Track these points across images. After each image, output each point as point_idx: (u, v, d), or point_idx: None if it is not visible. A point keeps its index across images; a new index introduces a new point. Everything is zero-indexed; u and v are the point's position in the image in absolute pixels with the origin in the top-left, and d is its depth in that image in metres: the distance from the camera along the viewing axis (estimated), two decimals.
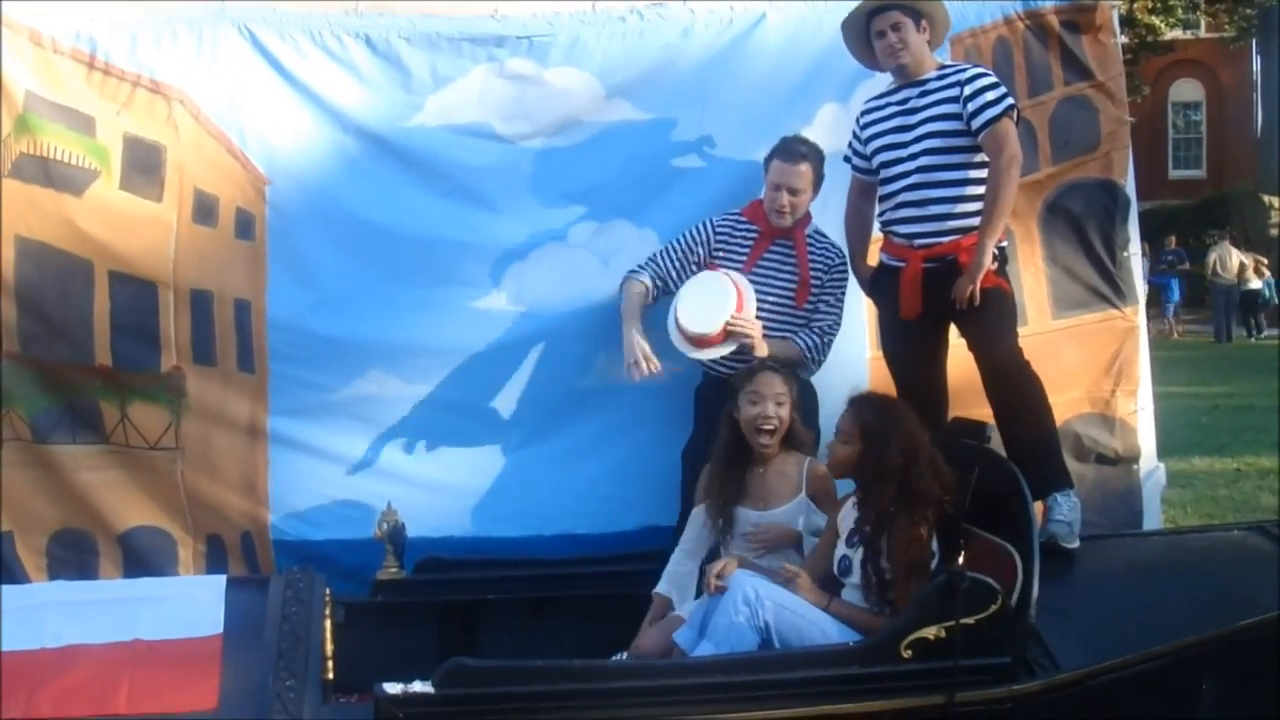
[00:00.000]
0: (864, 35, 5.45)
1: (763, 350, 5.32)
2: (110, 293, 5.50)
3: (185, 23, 5.60)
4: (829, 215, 5.73)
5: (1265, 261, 26.84)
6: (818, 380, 5.51)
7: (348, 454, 5.68)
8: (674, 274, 5.57)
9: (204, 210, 5.58)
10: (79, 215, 5.42)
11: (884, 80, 5.57)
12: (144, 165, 5.51)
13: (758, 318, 5.38)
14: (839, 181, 5.67)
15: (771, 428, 4.82)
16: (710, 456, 4.97)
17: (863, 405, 4.56)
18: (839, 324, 5.61)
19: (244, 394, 5.64)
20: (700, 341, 5.36)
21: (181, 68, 5.56)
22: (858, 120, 5.57)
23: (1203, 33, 38.49)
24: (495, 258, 5.74)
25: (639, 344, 5.40)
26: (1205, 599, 4.56)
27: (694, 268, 5.56)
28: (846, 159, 5.61)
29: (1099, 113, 6.13)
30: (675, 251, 5.60)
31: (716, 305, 5.32)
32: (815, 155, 5.51)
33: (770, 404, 4.82)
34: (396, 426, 5.70)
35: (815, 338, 5.53)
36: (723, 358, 5.37)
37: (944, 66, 5.45)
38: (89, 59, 5.48)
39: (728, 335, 5.34)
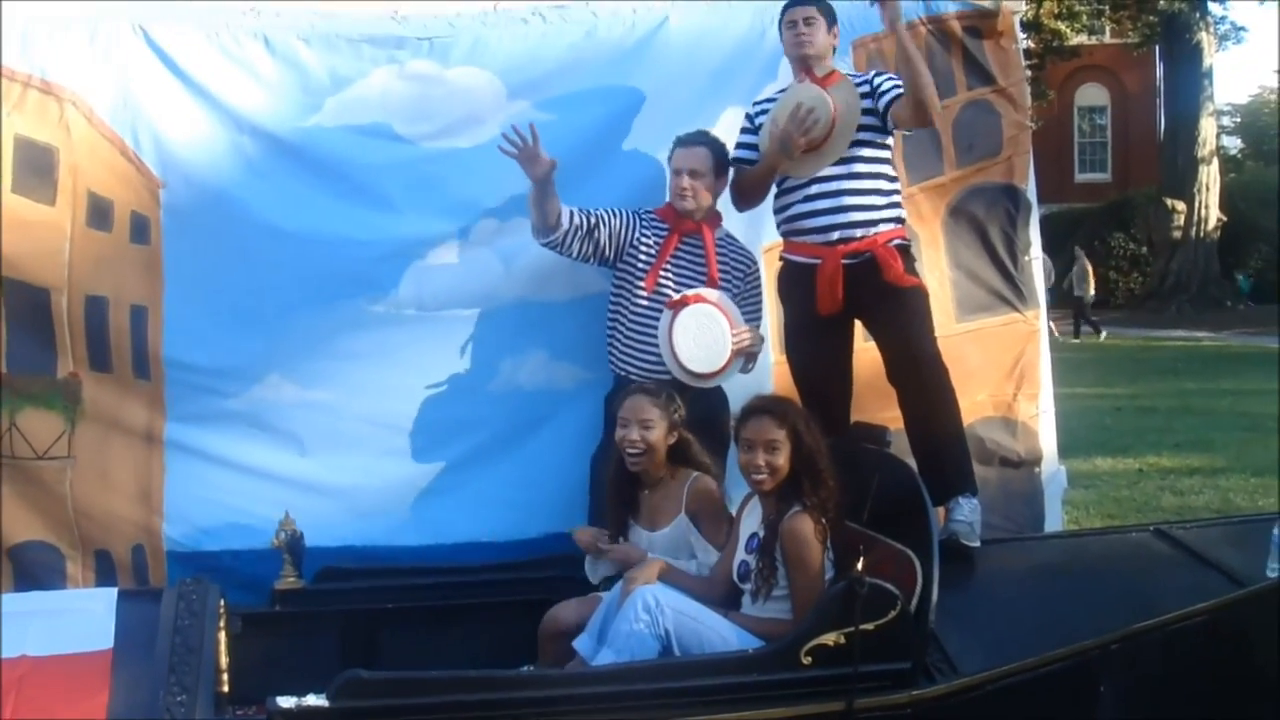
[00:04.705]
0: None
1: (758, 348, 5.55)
2: (4, 298, 5.33)
3: (79, 21, 5.45)
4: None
5: None
6: (725, 386, 5.48)
7: (245, 461, 5.57)
8: (600, 229, 5.45)
9: (98, 214, 5.44)
10: None
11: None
12: (36, 168, 5.36)
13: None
14: None
15: (636, 451, 4.76)
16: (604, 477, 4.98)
17: (784, 410, 4.49)
18: (760, 335, 5.61)
19: (140, 401, 5.52)
20: (713, 375, 5.36)
21: (74, 68, 5.41)
22: (749, 117, 5.57)
23: (1107, 38, 39.26)
24: (394, 258, 5.63)
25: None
26: (1104, 602, 4.61)
27: (610, 243, 5.46)
28: (735, 160, 5.55)
29: (1001, 117, 6.20)
30: (608, 217, 5.49)
31: (716, 335, 5.34)
32: (715, 144, 5.52)
33: (635, 429, 4.76)
34: (294, 433, 5.60)
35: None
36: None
37: (852, 75, 5.50)
38: None
39: (734, 355, 5.40)
